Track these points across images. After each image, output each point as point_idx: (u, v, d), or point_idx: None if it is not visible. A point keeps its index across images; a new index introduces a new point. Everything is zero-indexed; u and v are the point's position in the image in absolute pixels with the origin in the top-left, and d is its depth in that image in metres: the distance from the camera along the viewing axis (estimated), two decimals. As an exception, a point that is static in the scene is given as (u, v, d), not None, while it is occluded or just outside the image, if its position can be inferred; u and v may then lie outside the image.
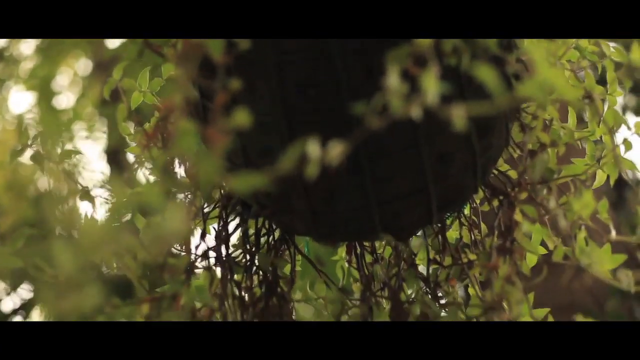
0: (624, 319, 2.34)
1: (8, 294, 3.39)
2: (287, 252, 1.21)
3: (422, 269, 1.21)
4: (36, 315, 3.40)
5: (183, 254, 1.11)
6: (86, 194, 1.19)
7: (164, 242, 0.69)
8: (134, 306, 0.99)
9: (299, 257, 1.22)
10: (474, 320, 1.08)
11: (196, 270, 1.15)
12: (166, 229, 0.63)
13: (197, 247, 1.15)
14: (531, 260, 1.19)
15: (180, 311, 0.99)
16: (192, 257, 1.12)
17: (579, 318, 1.08)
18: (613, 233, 1.13)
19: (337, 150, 0.74)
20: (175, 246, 1.09)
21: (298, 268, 1.22)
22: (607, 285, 2.42)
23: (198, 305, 1.11)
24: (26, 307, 3.40)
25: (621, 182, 2.95)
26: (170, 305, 0.99)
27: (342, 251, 1.29)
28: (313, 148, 0.74)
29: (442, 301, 1.16)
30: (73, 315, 0.60)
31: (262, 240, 1.20)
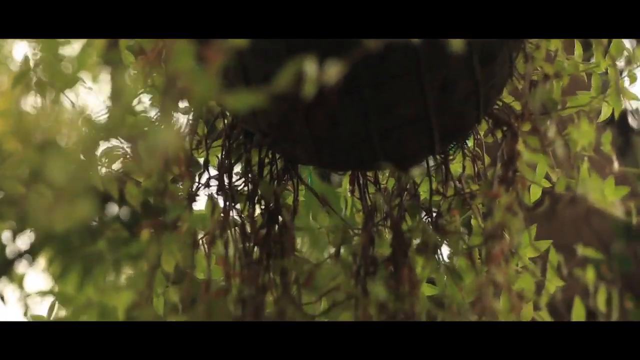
0: (629, 261, 2.34)
1: (14, 238, 3.41)
2: (290, 183, 1.21)
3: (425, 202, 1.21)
4: (42, 261, 3.42)
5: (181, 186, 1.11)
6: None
7: (157, 156, 0.69)
8: (135, 232, 0.99)
9: (301, 187, 1.22)
10: (476, 248, 1.09)
11: (198, 199, 1.16)
12: (158, 141, 0.63)
13: (199, 175, 1.15)
14: (535, 193, 1.19)
15: (181, 236, 0.99)
16: (195, 185, 1.12)
17: (581, 250, 1.08)
18: (616, 164, 1.13)
19: (334, 70, 0.74)
20: (176, 172, 1.10)
21: (301, 198, 1.22)
22: (613, 227, 2.42)
23: (199, 234, 1.11)
24: (32, 251, 3.41)
25: (628, 127, 2.94)
26: (172, 229, 0.99)
27: (345, 184, 1.29)
28: (310, 66, 0.73)
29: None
30: (64, 227, 0.60)
31: (265, 170, 1.20)
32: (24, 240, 3.40)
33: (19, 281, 3.32)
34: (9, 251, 3.37)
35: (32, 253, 3.37)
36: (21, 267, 3.42)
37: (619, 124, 2.83)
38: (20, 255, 3.38)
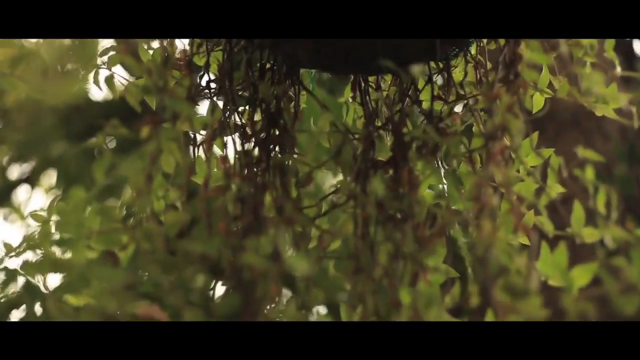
0: (631, 184, 2.34)
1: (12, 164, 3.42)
2: (291, 90, 1.21)
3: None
4: (43, 186, 3.42)
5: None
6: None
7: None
8: (134, 127, 0.98)
9: (303, 93, 1.22)
10: (475, 151, 1.08)
11: (198, 103, 1.15)
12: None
13: (200, 77, 1.14)
14: (538, 101, 1.18)
15: (180, 133, 0.99)
16: (195, 87, 1.12)
17: (581, 152, 1.07)
18: (618, 69, 1.13)
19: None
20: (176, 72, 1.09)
21: (303, 105, 1.21)
22: (616, 151, 2.42)
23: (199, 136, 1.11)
24: (32, 179, 3.42)
25: (632, 58, 2.92)
26: (172, 125, 0.99)
27: (347, 93, 1.28)
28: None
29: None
30: (58, 99, 0.59)
31: (267, 77, 1.19)
32: (25, 167, 3.41)
33: (19, 208, 3.34)
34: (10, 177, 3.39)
35: (31, 181, 3.39)
36: (22, 192, 3.44)
37: (624, 52, 2.81)
38: (20, 180, 3.40)
